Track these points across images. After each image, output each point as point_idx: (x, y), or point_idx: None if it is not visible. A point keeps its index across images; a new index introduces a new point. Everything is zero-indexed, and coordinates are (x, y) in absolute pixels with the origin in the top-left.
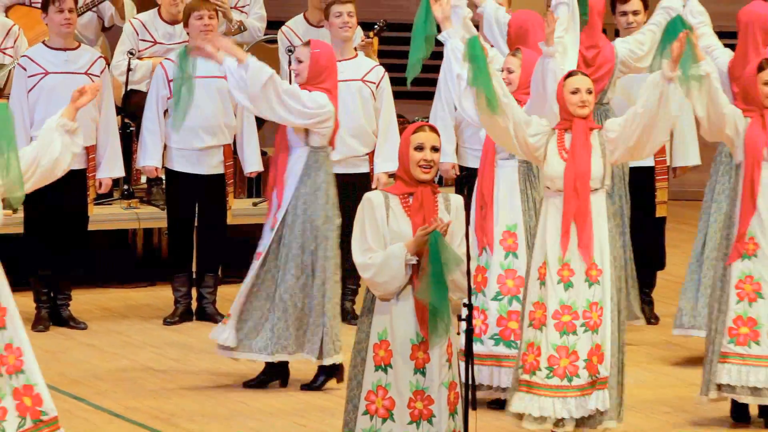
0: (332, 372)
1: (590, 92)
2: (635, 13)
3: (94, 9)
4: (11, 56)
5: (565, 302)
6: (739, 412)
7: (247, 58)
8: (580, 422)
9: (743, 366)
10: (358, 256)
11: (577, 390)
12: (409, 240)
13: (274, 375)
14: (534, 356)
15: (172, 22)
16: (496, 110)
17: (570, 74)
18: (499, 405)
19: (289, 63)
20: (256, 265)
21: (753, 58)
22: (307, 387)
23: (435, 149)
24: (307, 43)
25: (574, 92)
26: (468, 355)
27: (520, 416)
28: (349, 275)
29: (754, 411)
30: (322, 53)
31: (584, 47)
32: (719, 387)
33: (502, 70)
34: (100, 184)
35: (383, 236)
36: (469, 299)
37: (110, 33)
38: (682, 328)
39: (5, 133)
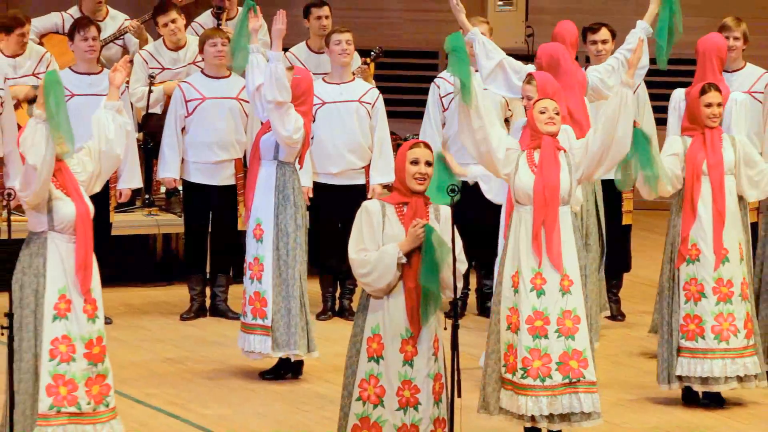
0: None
1: (557, 113)
2: (604, 42)
3: (119, 42)
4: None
5: (537, 308)
6: (689, 397)
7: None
8: (564, 418)
9: (692, 359)
10: (353, 254)
11: (548, 390)
12: (402, 241)
13: (287, 368)
14: (513, 357)
15: (176, 49)
16: (469, 101)
17: (539, 99)
18: None
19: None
20: (269, 272)
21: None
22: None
23: (428, 164)
24: (290, 68)
25: (542, 111)
26: (454, 347)
27: (504, 412)
28: (348, 276)
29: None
30: (302, 79)
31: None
32: (678, 378)
33: (522, 98)
34: (120, 194)
35: (377, 240)
36: (455, 297)
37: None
38: None
39: (55, 95)
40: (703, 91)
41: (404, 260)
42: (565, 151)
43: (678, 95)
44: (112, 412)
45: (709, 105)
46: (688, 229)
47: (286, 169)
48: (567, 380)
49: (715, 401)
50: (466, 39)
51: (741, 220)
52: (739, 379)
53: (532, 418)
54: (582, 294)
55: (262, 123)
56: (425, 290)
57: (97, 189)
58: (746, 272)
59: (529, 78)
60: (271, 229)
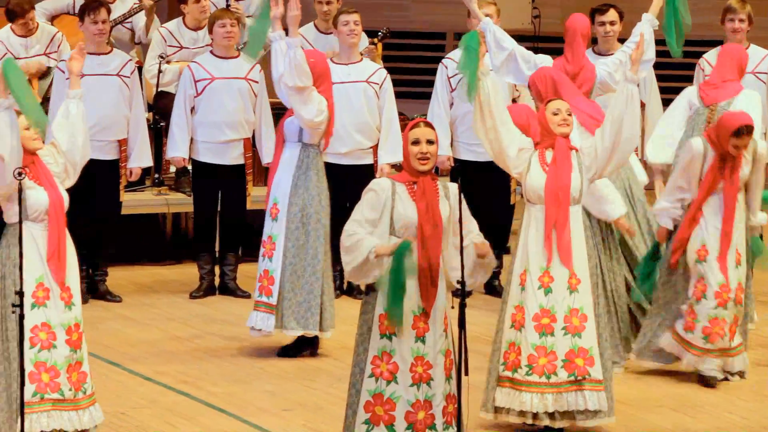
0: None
1: (570, 114)
2: (612, 23)
3: (128, 23)
4: (55, 59)
5: (544, 306)
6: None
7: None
8: (568, 416)
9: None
10: (348, 223)
11: (554, 387)
12: (385, 244)
13: (306, 345)
14: (515, 355)
15: (196, 29)
16: (471, 98)
17: (550, 100)
18: None
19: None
20: (280, 251)
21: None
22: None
23: (430, 142)
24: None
25: (556, 113)
26: (461, 326)
27: (500, 410)
28: None
29: None
30: (317, 62)
31: (568, 66)
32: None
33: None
34: (131, 172)
35: (377, 220)
36: (462, 275)
37: (138, 46)
38: None
39: (15, 81)
40: (738, 133)
41: (373, 261)
42: (577, 150)
43: (690, 94)
44: (90, 399)
45: (737, 147)
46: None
47: (310, 150)
48: (572, 378)
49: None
50: (479, 29)
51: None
52: None
53: (535, 416)
54: (590, 293)
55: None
56: (386, 307)
57: (72, 181)
58: (742, 277)
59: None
60: (286, 209)
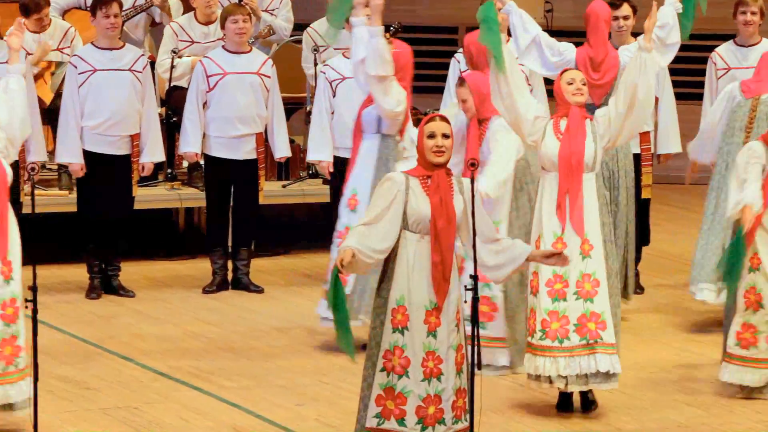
0: None
1: (584, 83)
2: (625, 17)
3: (144, 13)
4: (68, 55)
5: (557, 272)
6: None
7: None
8: (582, 380)
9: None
10: (358, 222)
11: (566, 351)
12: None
13: None
14: (533, 320)
15: (207, 23)
16: (502, 69)
17: (565, 70)
18: None
19: (314, 61)
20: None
21: None
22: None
23: (445, 136)
24: (462, 82)
25: (570, 83)
26: (474, 321)
27: (530, 376)
28: None
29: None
30: (401, 53)
31: (592, 52)
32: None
33: (458, 101)
34: (143, 167)
35: (388, 212)
36: (475, 271)
37: (155, 34)
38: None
39: None
40: None
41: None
42: (591, 118)
43: (732, 90)
44: (21, 373)
45: None
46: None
47: (389, 141)
48: (584, 342)
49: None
50: (503, 11)
51: None
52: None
53: (549, 379)
54: (603, 258)
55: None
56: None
57: (13, 157)
58: None
59: (461, 81)
60: (366, 200)
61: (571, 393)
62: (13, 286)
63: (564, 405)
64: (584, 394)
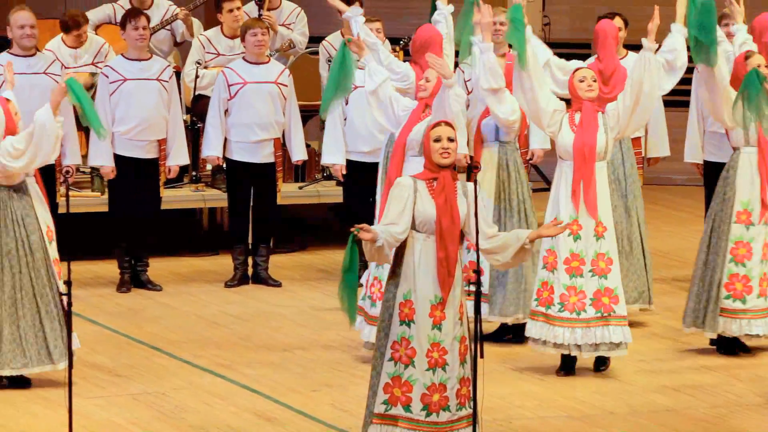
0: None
1: (594, 80)
2: (618, 30)
3: (168, 27)
4: (99, 69)
5: (574, 251)
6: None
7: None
8: (593, 348)
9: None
10: (377, 224)
11: (583, 322)
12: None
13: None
14: (548, 293)
15: (233, 37)
16: (524, 65)
17: (577, 69)
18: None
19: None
20: None
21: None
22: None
23: (450, 139)
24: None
25: (582, 80)
26: (476, 312)
27: (536, 341)
28: None
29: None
30: (508, 66)
31: (603, 67)
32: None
33: (423, 78)
34: (169, 170)
35: (404, 213)
36: (477, 267)
37: (181, 46)
38: None
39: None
40: None
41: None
42: (603, 111)
43: None
44: None
45: None
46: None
47: (507, 147)
48: (599, 314)
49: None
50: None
51: None
52: None
53: (556, 346)
54: (615, 239)
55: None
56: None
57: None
58: None
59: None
60: (491, 205)
61: (575, 357)
62: None
63: (566, 367)
64: (597, 357)
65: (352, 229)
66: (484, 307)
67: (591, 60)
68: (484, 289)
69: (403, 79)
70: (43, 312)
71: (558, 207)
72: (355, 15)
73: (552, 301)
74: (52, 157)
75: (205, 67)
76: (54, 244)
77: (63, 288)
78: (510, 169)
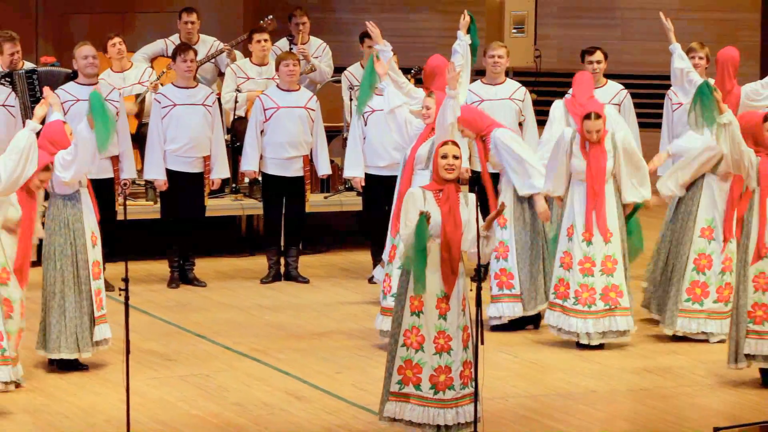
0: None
1: (599, 131)
2: (598, 62)
3: (213, 60)
4: (146, 86)
5: (586, 254)
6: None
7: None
8: (602, 336)
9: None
10: (403, 231)
11: (594, 314)
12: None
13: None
14: (564, 288)
15: (260, 65)
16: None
17: (587, 116)
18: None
19: (350, 97)
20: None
21: (727, 86)
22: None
23: (455, 157)
24: (431, 94)
25: (588, 132)
26: (478, 304)
27: (553, 327)
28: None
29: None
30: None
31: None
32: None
33: (423, 107)
34: (213, 182)
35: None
36: (479, 265)
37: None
38: None
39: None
40: (766, 119)
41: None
42: (606, 132)
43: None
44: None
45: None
46: (764, 232)
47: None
48: (607, 307)
49: None
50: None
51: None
52: None
53: (577, 335)
54: (621, 242)
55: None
56: (412, 268)
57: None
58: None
59: (430, 93)
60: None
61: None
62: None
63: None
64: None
65: (423, 212)
66: (519, 307)
67: (568, 95)
68: (516, 291)
69: (419, 104)
70: (80, 307)
71: (573, 216)
72: (385, 50)
73: (568, 295)
74: (92, 168)
75: (239, 90)
76: (97, 248)
77: (100, 288)
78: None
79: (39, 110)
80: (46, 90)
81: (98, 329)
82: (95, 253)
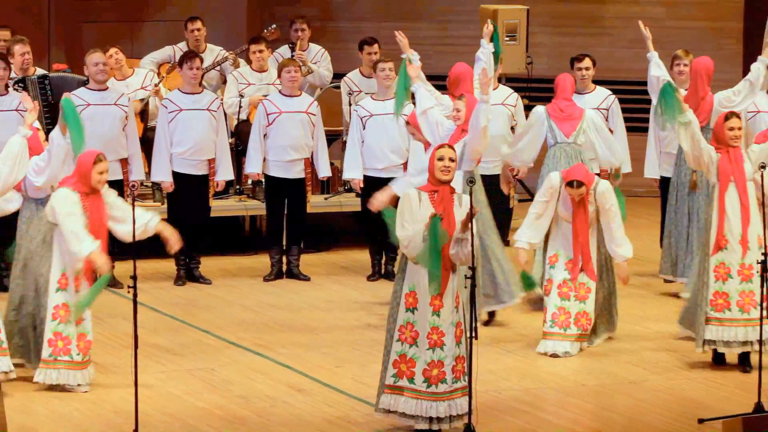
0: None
1: (581, 195)
2: (587, 68)
3: (218, 68)
4: (148, 91)
5: (566, 279)
6: (720, 359)
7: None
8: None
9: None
10: (399, 232)
11: (568, 337)
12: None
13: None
14: (544, 313)
15: (260, 72)
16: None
17: (569, 183)
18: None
19: (349, 103)
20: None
21: (700, 93)
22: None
23: (451, 159)
24: (461, 97)
25: (571, 195)
26: (472, 302)
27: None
28: (391, 246)
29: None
30: (471, 101)
31: (562, 103)
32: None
33: (454, 110)
34: (217, 184)
35: (415, 219)
36: (472, 263)
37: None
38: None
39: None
40: (727, 118)
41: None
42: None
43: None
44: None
45: (731, 129)
46: (722, 225)
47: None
48: (579, 331)
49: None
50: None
51: (759, 216)
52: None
53: (554, 355)
54: (596, 273)
55: None
56: (428, 269)
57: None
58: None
59: (461, 96)
60: None
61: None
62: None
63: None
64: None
65: (436, 214)
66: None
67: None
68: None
69: (446, 109)
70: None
71: (556, 248)
72: (414, 56)
73: (546, 319)
74: (62, 173)
75: (242, 95)
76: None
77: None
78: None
79: (29, 117)
80: (24, 96)
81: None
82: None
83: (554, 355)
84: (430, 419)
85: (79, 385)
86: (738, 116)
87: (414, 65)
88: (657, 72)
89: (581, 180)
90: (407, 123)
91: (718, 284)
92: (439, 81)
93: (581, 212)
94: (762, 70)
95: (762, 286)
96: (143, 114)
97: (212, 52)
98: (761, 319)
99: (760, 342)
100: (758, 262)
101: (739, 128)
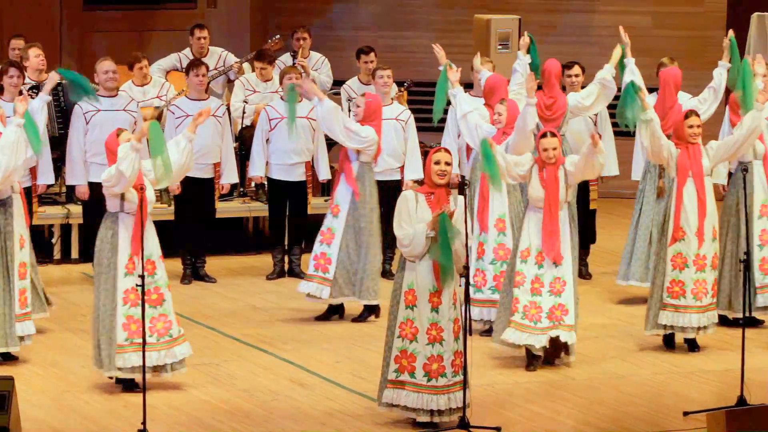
0: (372, 309)
1: (555, 149)
2: (576, 75)
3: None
4: (164, 101)
5: (537, 275)
6: (670, 342)
7: (324, 98)
8: (547, 349)
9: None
10: (397, 231)
11: (540, 330)
12: (429, 221)
13: (334, 311)
14: (516, 305)
15: (265, 81)
16: (499, 188)
17: (543, 135)
18: (489, 333)
19: (350, 108)
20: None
21: (668, 102)
22: (357, 320)
23: (447, 163)
24: (363, 95)
25: (545, 150)
26: (466, 300)
27: (504, 342)
28: (389, 246)
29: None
30: (372, 101)
31: (546, 98)
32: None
33: (495, 113)
34: (222, 187)
35: (412, 219)
36: (467, 262)
37: (231, 88)
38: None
39: (159, 142)
40: (686, 116)
41: (431, 234)
42: (563, 162)
43: None
44: (176, 340)
45: (691, 126)
46: (678, 217)
47: (365, 167)
48: (552, 324)
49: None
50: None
51: (715, 209)
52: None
53: (519, 346)
54: (570, 264)
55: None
56: (440, 265)
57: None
58: (716, 248)
59: (502, 100)
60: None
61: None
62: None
63: (530, 362)
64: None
65: (441, 211)
66: (327, 291)
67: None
68: (329, 276)
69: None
70: (9, 305)
71: (528, 240)
72: (452, 64)
73: (517, 310)
74: (16, 173)
75: (246, 102)
76: (24, 250)
77: (25, 287)
78: (366, 183)
79: (20, 107)
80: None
81: (21, 325)
82: (22, 255)
83: (519, 347)
84: (431, 412)
85: (164, 365)
86: (697, 114)
87: (455, 70)
88: (629, 77)
89: (554, 131)
90: (501, 102)
91: (675, 273)
92: (434, 89)
93: (553, 181)
94: (724, 75)
95: (745, 285)
96: (159, 120)
97: (214, 56)
98: (744, 312)
99: (743, 339)
100: (740, 261)
101: (698, 126)
